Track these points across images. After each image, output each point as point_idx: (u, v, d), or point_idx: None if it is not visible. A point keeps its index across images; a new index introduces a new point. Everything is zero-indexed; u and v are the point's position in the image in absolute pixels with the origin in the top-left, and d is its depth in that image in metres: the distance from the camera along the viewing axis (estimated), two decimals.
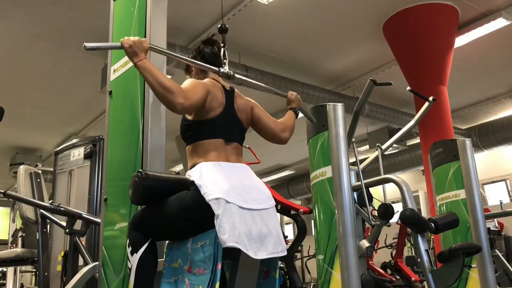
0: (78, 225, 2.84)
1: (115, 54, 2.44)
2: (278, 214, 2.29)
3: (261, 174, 13.61)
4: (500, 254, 3.88)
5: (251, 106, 2.17)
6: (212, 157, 1.90)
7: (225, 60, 2.19)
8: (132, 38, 1.82)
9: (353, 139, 2.81)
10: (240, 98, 2.13)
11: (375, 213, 2.51)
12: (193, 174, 1.82)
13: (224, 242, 1.64)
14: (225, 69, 2.08)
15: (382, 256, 7.77)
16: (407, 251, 9.78)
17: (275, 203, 1.95)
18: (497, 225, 7.99)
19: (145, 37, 2.22)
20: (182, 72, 2.35)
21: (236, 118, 2.05)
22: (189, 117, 1.97)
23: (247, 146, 2.72)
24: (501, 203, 4.39)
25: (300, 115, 2.44)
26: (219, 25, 2.38)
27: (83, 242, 2.96)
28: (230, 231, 1.66)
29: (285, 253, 1.84)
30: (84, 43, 1.72)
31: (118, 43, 1.82)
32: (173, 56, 2.03)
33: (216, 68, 2.06)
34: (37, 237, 3.06)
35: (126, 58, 2.33)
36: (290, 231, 14.86)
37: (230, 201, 1.72)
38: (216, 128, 1.96)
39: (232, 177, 1.83)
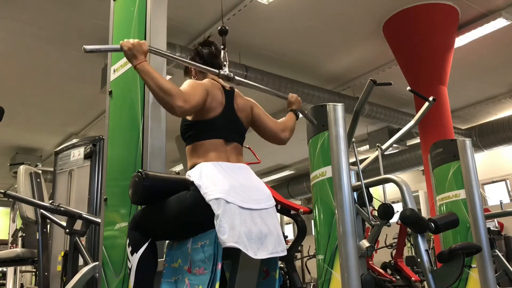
0: (78, 225, 2.84)
1: (115, 55, 2.44)
2: (278, 214, 2.29)
3: (261, 174, 13.61)
4: (500, 254, 3.88)
5: (251, 106, 2.17)
6: (212, 157, 1.90)
7: (225, 62, 2.19)
8: (132, 40, 1.82)
9: (353, 139, 2.81)
10: (240, 98, 2.13)
11: (375, 213, 2.51)
12: (192, 174, 1.82)
13: (224, 242, 1.64)
14: (225, 71, 2.07)
15: (382, 256, 7.78)
16: (407, 251, 9.78)
17: (275, 203, 1.95)
18: (497, 225, 7.99)
19: (145, 37, 2.22)
20: (182, 72, 2.35)
21: (236, 118, 2.05)
22: (189, 118, 1.98)
23: (247, 146, 2.72)
24: (501, 203, 4.38)
25: (302, 119, 2.44)
26: (219, 26, 2.38)
27: (83, 242, 2.96)
28: (229, 231, 1.66)
29: (285, 253, 1.84)
30: (84, 46, 1.72)
31: (118, 45, 1.82)
32: (173, 58, 2.02)
33: (216, 70, 2.06)
34: (37, 237, 3.06)
35: (126, 59, 2.33)
36: (290, 231, 14.87)
37: (230, 201, 1.72)
38: (216, 128, 1.96)
39: (232, 177, 1.83)
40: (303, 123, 2.90)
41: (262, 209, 1.84)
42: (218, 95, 2.00)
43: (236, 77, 2.10)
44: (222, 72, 2.06)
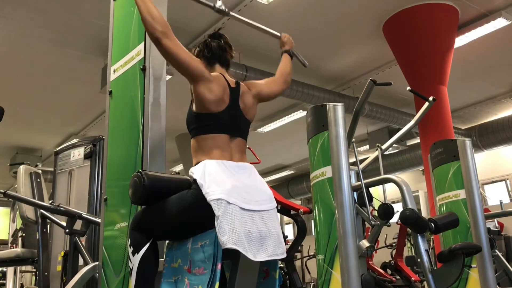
0: (78, 225, 2.84)
1: (115, 54, 2.44)
2: (278, 214, 2.29)
3: (261, 174, 13.38)
4: (500, 254, 3.88)
5: (256, 95, 2.15)
6: (216, 155, 1.89)
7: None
8: None
9: (353, 139, 2.80)
10: (247, 94, 2.09)
11: (375, 213, 2.51)
12: (196, 172, 1.81)
13: (224, 243, 1.63)
14: (220, 5, 2.08)
15: (382, 256, 7.78)
16: (407, 251, 9.78)
17: (276, 205, 1.95)
18: (497, 225, 7.99)
19: (145, 37, 2.22)
20: None
21: (241, 115, 2.03)
22: (194, 109, 1.96)
23: (247, 146, 2.72)
24: (501, 203, 4.38)
25: (301, 117, 2.45)
26: (219, 26, 2.38)
27: (83, 242, 2.96)
28: (230, 232, 1.65)
29: (284, 255, 1.83)
30: None
31: None
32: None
33: (211, 3, 2.05)
34: (37, 237, 3.06)
35: (126, 58, 2.34)
36: (290, 231, 14.87)
37: (231, 202, 1.72)
38: (220, 123, 1.94)
39: (234, 177, 1.82)
40: (303, 123, 2.90)
41: (263, 210, 1.83)
42: (220, 90, 1.95)
43: (231, 13, 2.10)
44: (217, 5, 2.06)
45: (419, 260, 2.27)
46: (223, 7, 2.06)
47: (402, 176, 4.92)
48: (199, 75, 1.91)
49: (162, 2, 2.31)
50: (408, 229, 4.93)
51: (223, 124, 1.94)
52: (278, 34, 2.39)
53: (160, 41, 1.84)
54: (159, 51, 1.90)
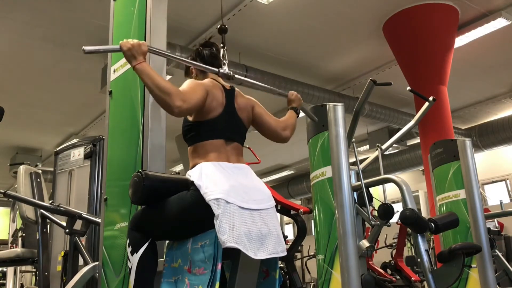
0: (78, 225, 2.84)
1: (115, 55, 2.44)
2: (278, 214, 2.29)
3: (261, 174, 13.61)
4: (500, 254, 3.88)
5: (252, 105, 2.17)
6: (213, 158, 1.90)
7: (224, 61, 2.19)
8: (131, 41, 1.81)
9: (353, 139, 2.81)
10: (241, 97, 2.13)
11: (375, 213, 2.51)
12: (193, 174, 1.82)
13: (224, 242, 1.64)
14: (225, 69, 2.08)
15: (382, 256, 7.78)
16: (407, 251, 9.78)
17: (275, 203, 1.95)
18: (497, 225, 7.99)
19: (145, 37, 2.22)
20: (182, 72, 2.35)
21: (236, 118, 2.05)
22: (190, 118, 1.98)
23: (247, 146, 2.72)
24: (501, 203, 4.38)
25: (302, 114, 2.44)
26: (219, 26, 2.38)
27: (83, 242, 2.96)
28: (229, 231, 1.66)
29: (285, 253, 1.84)
30: (83, 47, 1.71)
31: (117, 46, 1.82)
32: (173, 57, 2.03)
33: (216, 69, 2.06)
34: (37, 237, 3.06)
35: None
36: (290, 231, 14.87)
37: (230, 202, 1.72)
38: (216, 128, 1.96)
39: (232, 177, 1.83)
40: (303, 123, 2.90)
41: (262, 209, 1.84)
42: (218, 95, 2.00)
43: (236, 76, 2.10)
44: (221, 70, 2.06)
45: (419, 260, 2.27)
46: (226, 71, 2.08)
47: (402, 176, 4.92)
48: (205, 96, 1.93)
49: (162, 2, 2.32)
50: (408, 229, 4.93)
51: (219, 129, 1.96)
52: (286, 93, 2.37)
53: (180, 114, 1.82)
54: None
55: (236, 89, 2.14)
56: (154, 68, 2.08)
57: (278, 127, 2.23)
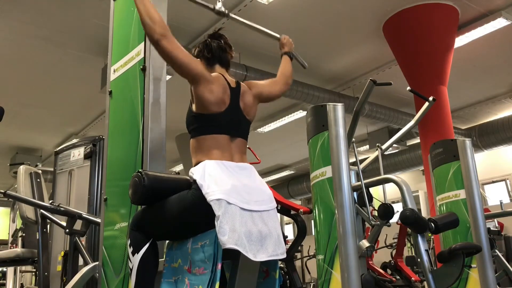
0: (78, 225, 2.84)
1: (115, 54, 2.44)
2: (278, 214, 2.29)
3: (261, 174, 13.37)
4: (500, 254, 3.88)
5: (256, 95, 2.14)
6: (216, 155, 1.88)
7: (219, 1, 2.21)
8: None
9: (353, 139, 2.80)
10: (247, 94, 2.08)
11: (375, 213, 2.51)
12: (196, 172, 1.81)
13: (224, 243, 1.63)
14: (220, 6, 2.08)
15: (382, 256, 7.78)
16: (407, 251, 9.78)
17: (276, 205, 1.95)
18: (497, 225, 7.99)
19: (145, 37, 2.22)
20: None
21: (241, 116, 2.03)
22: (194, 109, 1.96)
23: (248, 146, 2.72)
24: (501, 203, 4.38)
25: (301, 118, 2.44)
26: (219, 26, 2.38)
27: (83, 242, 2.96)
28: (230, 232, 1.66)
29: (284, 255, 1.83)
30: None
31: None
32: None
33: (211, 5, 2.05)
34: (37, 237, 3.06)
35: (126, 58, 2.34)
36: (290, 231, 14.87)
37: (232, 202, 1.72)
38: (220, 124, 1.94)
39: (234, 177, 1.82)
40: (303, 123, 2.90)
41: (263, 210, 1.83)
42: (219, 90, 1.95)
43: (231, 14, 2.10)
44: (217, 7, 2.06)
45: (419, 260, 2.27)
46: (222, 9, 2.06)
47: (402, 176, 4.92)
48: (199, 76, 1.90)
49: (162, 2, 2.32)
50: (408, 229, 4.93)
51: (223, 125, 1.94)
52: (278, 35, 2.38)
53: (158, 43, 1.84)
54: (158, 53, 1.90)
55: (242, 84, 2.10)
56: (154, 67, 2.09)
57: (281, 85, 2.37)
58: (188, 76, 1.90)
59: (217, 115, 1.93)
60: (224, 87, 1.99)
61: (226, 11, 2.07)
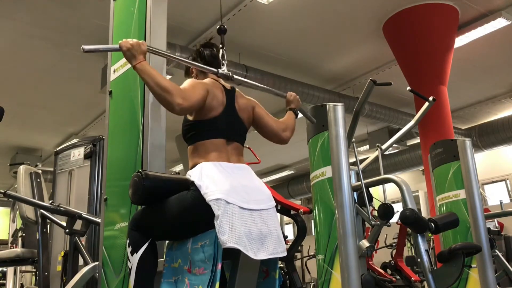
0: (78, 225, 2.84)
1: (115, 54, 2.44)
2: (278, 214, 2.29)
3: (261, 174, 13.61)
4: (500, 254, 3.88)
5: (253, 106, 2.17)
6: (213, 157, 1.90)
7: (223, 61, 2.19)
8: (131, 40, 1.82)
9: (353, 139, 2.81)
10: (241, 97, 2.13)
11: (375, 213, 2.51)
12: (193, 174, 1.82)
13: (224, 242, 1.64)
14: (224, 70, 2.08)
15: (382, 256, 7.78)
16: (407, 251, 9.78)
17: (275, 204, 1.95)
18: (497, 225, 7.99)
19: (145, 37, 2.22)
20: (182, 72, 2.35)
21: (237, 118, 2.05)
22: (190, 118, 1.98)
23: (247, 146, 2.72)
24: (501, 203, 4.38)
25: (301, 117, 2.44)
26: (219, 26, 2.38)
27: (83, 242, 2.96)
28: (230, 231, 1.66)
29: (285, 254, 1.84)
30: (83, 46, 1.72)
31: (117, 45, 1.82)
32: (172, 57, 2.03)
33: (215, 70, 2.07)
34: (37, 237, 3.06)
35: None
36: (290, 231, 14.86)
37: (231, 202, 1.72)
38: (217, 128, 1.96)
39: (232, 177, 1.83)
40: (303, 123, 2.90)
41: (263, 209, 1.84)
42: (219, 95, 2.00)
43: (235, 76, 2.11)
44: (220, 71, 2.07)
45: (419, 260, 2.27)
46: (225, 71, 2.08)
47: (402, 176, 4.92)
48: (207, 93, 1.93)
49: (162, 2, 2.32)
50: (408, 229, 4.93)
51: (220, 128, 1.96)
52: (284, 94, 2.37)
53: (181, 112, 1.83)
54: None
55: (237, 89, 2.14)
56: (154, 68, 2.09)
57: (278, 128, 2.22)
58: (204, 101, 1.92)
59: (213, 119, 1.96)
60: (221, 89, 2.03)
61: (230, 74, 2.09)
